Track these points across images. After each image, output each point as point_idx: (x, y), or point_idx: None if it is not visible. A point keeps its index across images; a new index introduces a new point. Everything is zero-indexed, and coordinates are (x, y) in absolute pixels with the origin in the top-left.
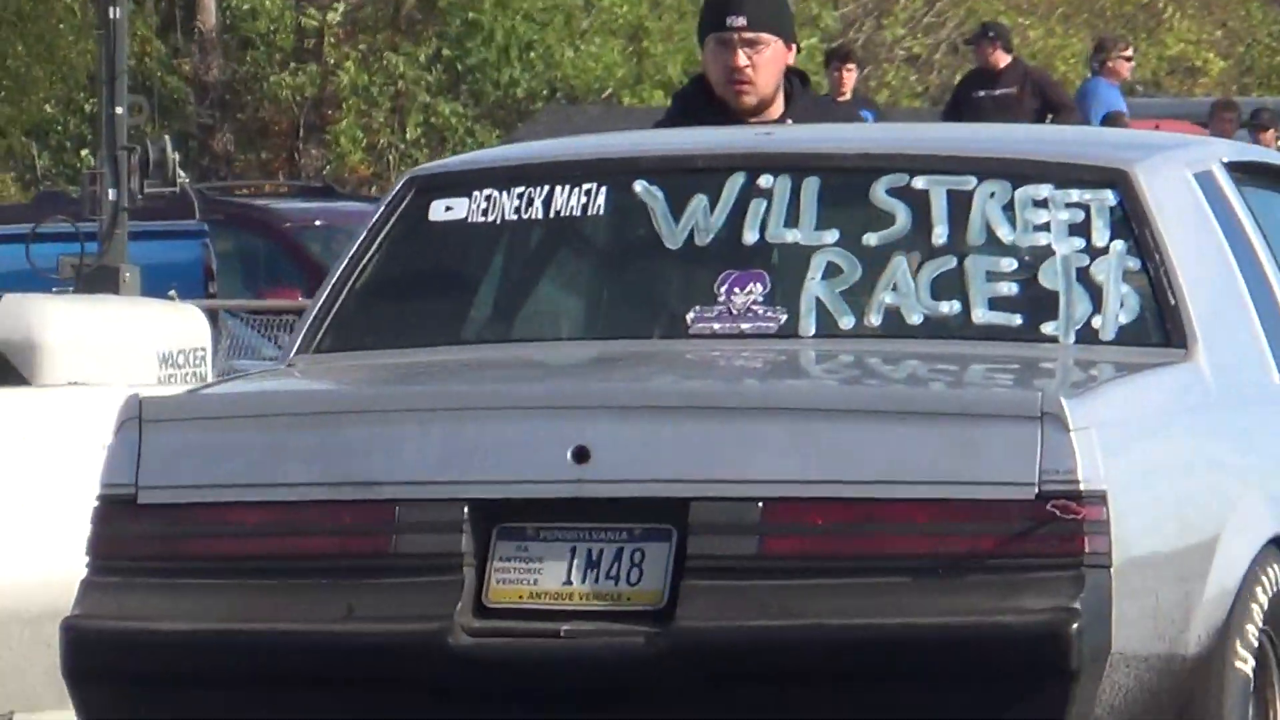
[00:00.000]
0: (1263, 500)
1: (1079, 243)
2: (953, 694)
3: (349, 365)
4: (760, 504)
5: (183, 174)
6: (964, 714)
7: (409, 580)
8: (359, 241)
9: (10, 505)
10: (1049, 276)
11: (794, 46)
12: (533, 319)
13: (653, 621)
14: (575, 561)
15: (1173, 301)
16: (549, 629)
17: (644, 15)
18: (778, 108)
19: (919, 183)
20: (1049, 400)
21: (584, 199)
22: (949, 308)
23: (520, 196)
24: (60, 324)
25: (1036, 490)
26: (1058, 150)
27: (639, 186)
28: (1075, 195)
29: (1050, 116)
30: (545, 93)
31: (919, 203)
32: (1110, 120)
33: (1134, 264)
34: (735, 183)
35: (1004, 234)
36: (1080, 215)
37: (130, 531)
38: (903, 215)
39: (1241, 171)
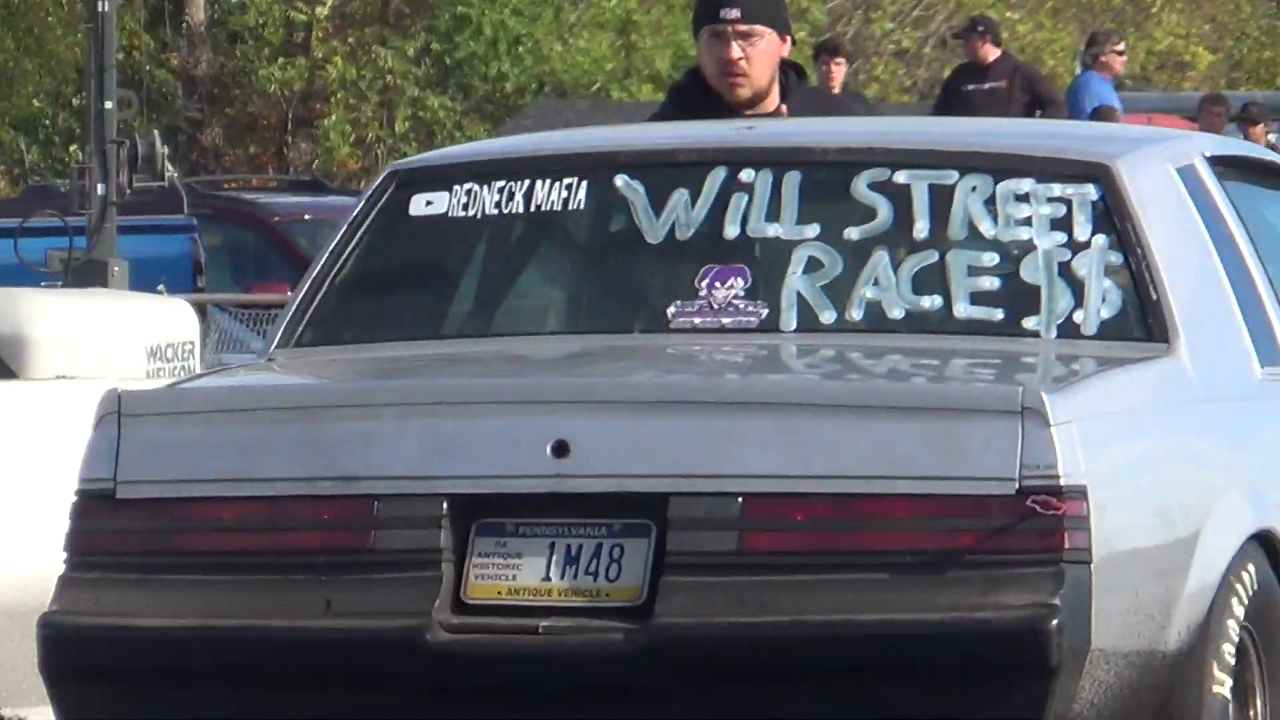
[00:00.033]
0: (1244, 496)
1: (1061, 237)
2: (933, 690)
3: (329, 359)
4: (740, 499)
5: (171, 168)
6: (944, 710)
7: (387, 576)
8: (339, 235)
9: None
10: (1030, 271)
11: (789, 39)
12: (513, 313)
13: (631, 618)
14: (554, 557)
15: (1154, 296)
16: (527, 625)
17: (632, 9)
18: (773, 100)
19: (900, 177)
20: (1030, 395)
21: (565, 193)
22: (930, 302)
23: (501, 191)
24: (48, 318)
25: (1017, 485)
26: (1039, 144)
27: (620, 181)
28: (1057, 189)
29: (1039, 112)
30: (534, 87)
31: (900, 197)
32: (1100, 115)
33: (1116, 258)
34: (716, 177)
35: (985, 228)
36: (1062, 209)
37: (109, 527)
38: (884, 210)
39: (1224, 165)
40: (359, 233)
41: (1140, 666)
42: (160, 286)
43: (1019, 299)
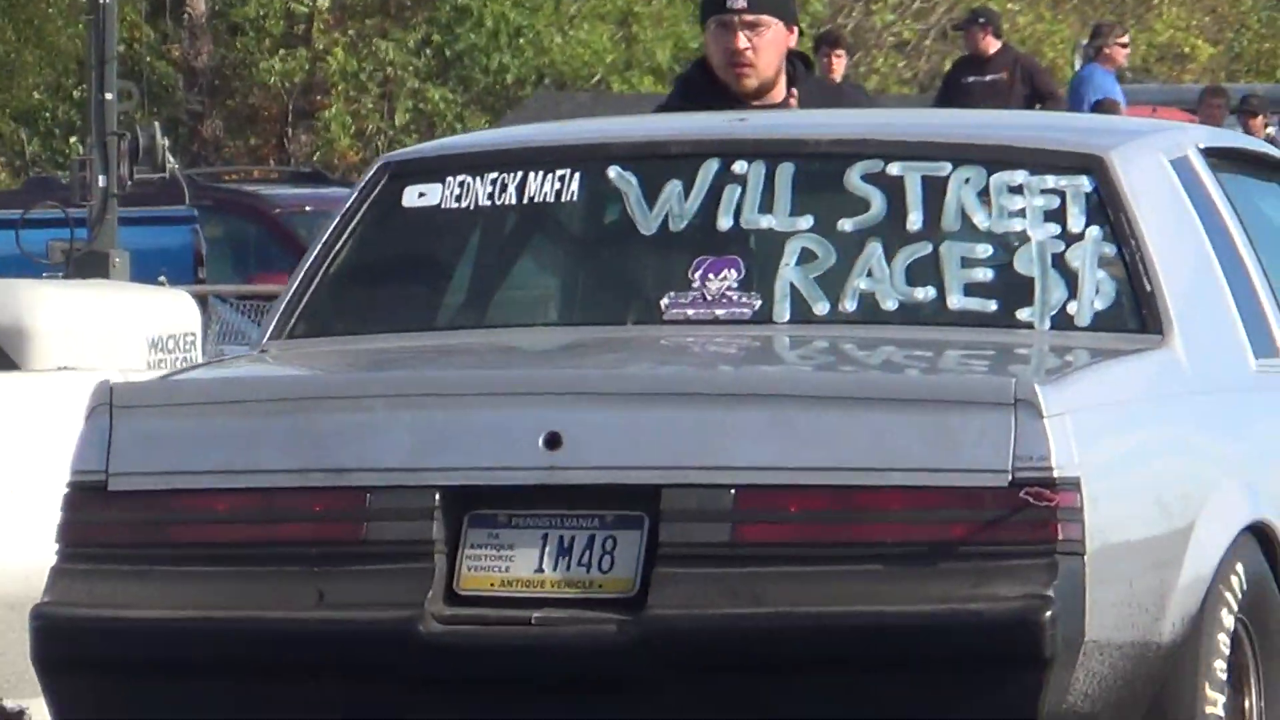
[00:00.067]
0: (1238, 487)
1: (1054, 229)
2: (926, 682)
3: (321, 351)
4: (732, 491)
5: (172, 160)
6: (937, 702)
7: (380, 567)
8: (332, 227)
9: (1, 489)
10: (1024, 262)
11: (795, 29)
12: (506, 305)
13: (624, 609)
14: (547, 549)
15: (1148, 288)
16: (520, 617)
17: (633, 0)
18: (780, 91)
19: (894, 169)
20: (1023, 387)
21: (558, 185)
22: (924, 294)
23: (494, 182)
24: (50, 309)
25: (1010, 477)
26: (1033, 136)
27: (613, 172)
28: (1051, 181)
29: (1038, 105)
30: (534, 79)
31: (894, 189)
32: (1102, 108)
33: (1109, 250)
34: (709, 169)
35: (979, 220)
36: (1056, 201)
37: (101, 518)
38: (878, 201)
39: (1218, 157)
40: (351, 224)
41: (1135, 658)
42: (161, 278)
43: (1012, 291)
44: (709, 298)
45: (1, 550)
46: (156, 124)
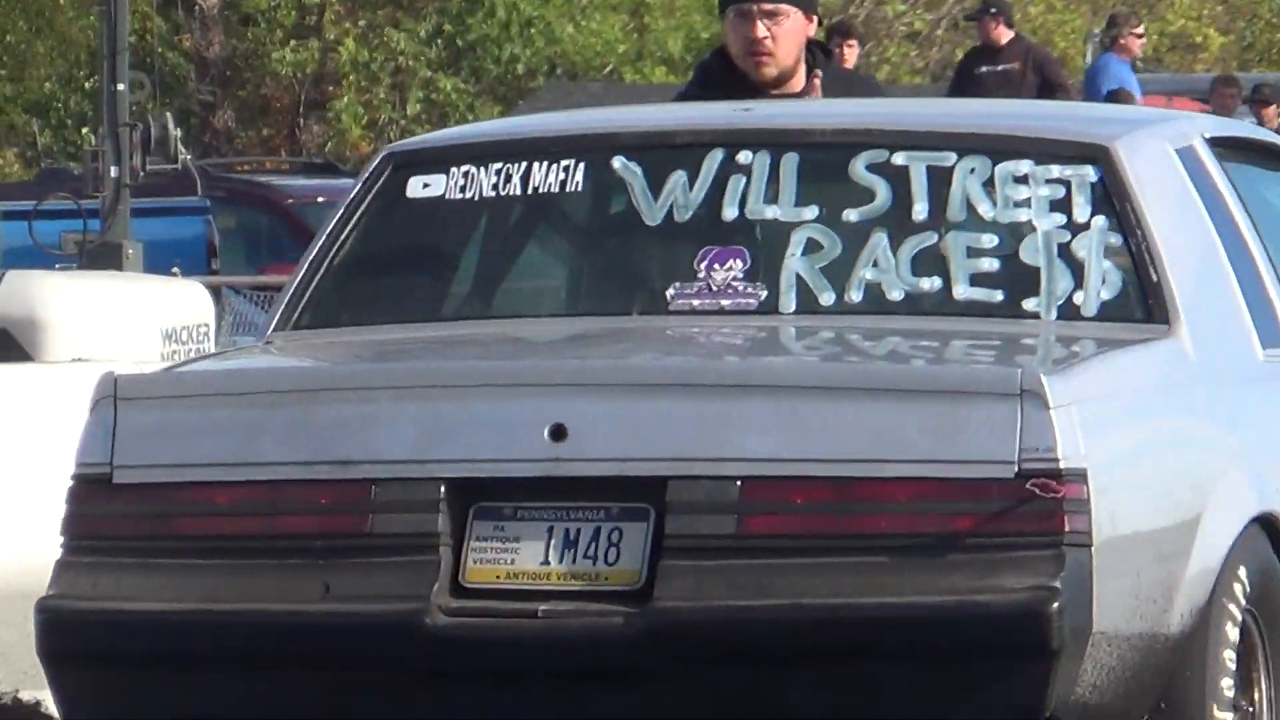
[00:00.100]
0: (1246, 478)
1: (1060, 218)
2: (932, 674)
3: (326, 342)
4: (739, 483)
5: (184, 151)
6: (944, 694)
7: (385, 560)
8: (336, 218)
9: (14, 482)
10: (1030, 252)
11: (814, 18)
12: (511, 296)
13: (630, 601)
14: (552, 541)
15: (1155, 277)
16: (526, 609)
17: None
18: (799, 80)
19: (899, 158)
20: (1028, 377)
21: (562, 175)
22: (930, 284)
23: (498, 173)
24: (63, 300)
25: (1016, 468)
26: (1038, 126)
27: (617, 163)
28: (1056, 171)
29: (1049, 97)
30: (546, 69)
31: (899, 179)
32: (1116, 98)
33: (1115, 240)
34: (714, 159)
35: (985, 210)
36: (1061, 191)
37: (105, 511)
38: (883, 191)
39: (1224, 146)
40: (356, 215)
41: (1142, 649)
42: (174, 269)
43: (1018, 281)
44: (714, 288)
45: (19, 542)
46: (168, 115)
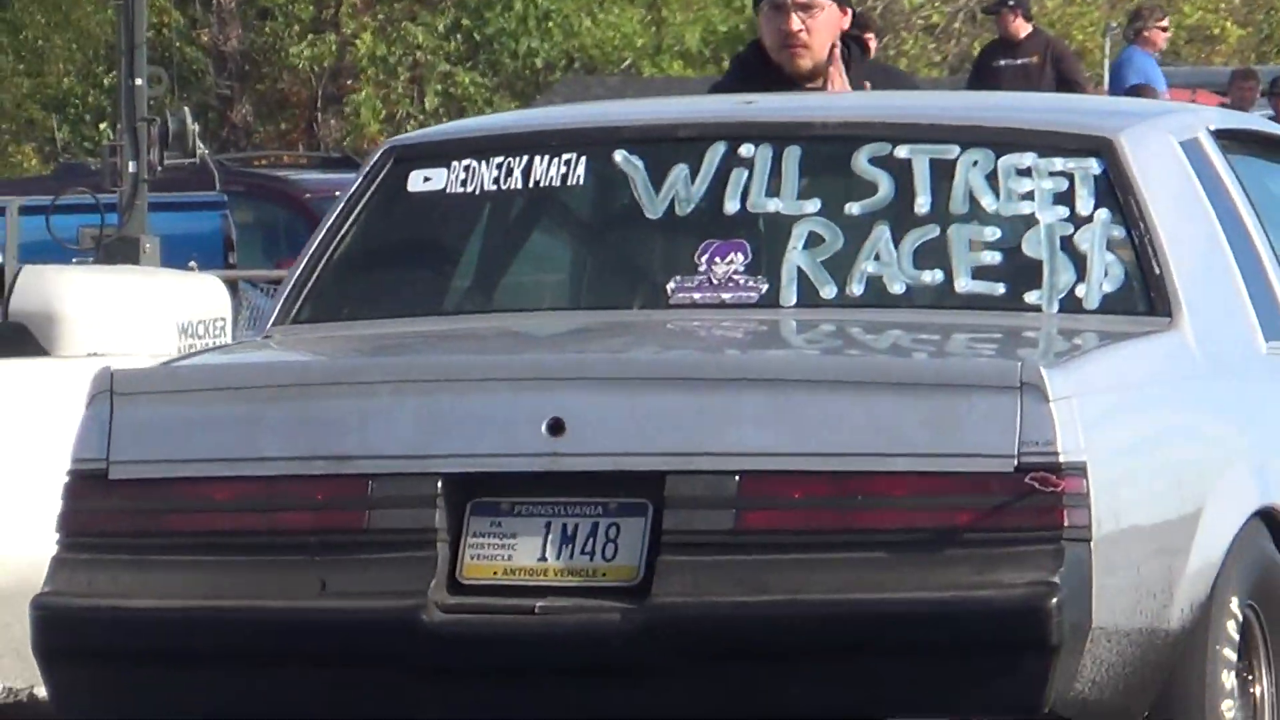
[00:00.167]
0: (1248, 472)
1: (1063, 211)
2: (931, 669)
3: (325, 337)
4: (737, 478)
5: (202, 145)
6: (943, 689)
7: (383, 556)
8: (337, 212)
9: (31, 477)
10: (1032, 245)
11: (849, 11)
12: (511, 290)
13: (628, 598)
14: (550, 537)
15: (1157, 270)
16: (523, 605)
17: None
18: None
19: (901, 151)
20: (1028, 370)
21: (564, 169)
22: (931, 277)
23: (500, 167)
24: (80, 295)
25: (1016, 462)
26: (1041, 118)
27: (619, 156)
28: (1059, 163)
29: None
30: (563, 63)
31: (901, 172)
32: (1136, 94)
33: (1118, 232)
34: (716, 152)
35: (987, 203)
36: (1064, 184)
37: (102, 507)
38: (885, 184)
39: (1229, 139)
40: (357, 209)
41: (1143, 645)
42: (192, 263)
43: (1020, 274)
44: (715, 282)
45: (36, 537)
46: (186, 109)
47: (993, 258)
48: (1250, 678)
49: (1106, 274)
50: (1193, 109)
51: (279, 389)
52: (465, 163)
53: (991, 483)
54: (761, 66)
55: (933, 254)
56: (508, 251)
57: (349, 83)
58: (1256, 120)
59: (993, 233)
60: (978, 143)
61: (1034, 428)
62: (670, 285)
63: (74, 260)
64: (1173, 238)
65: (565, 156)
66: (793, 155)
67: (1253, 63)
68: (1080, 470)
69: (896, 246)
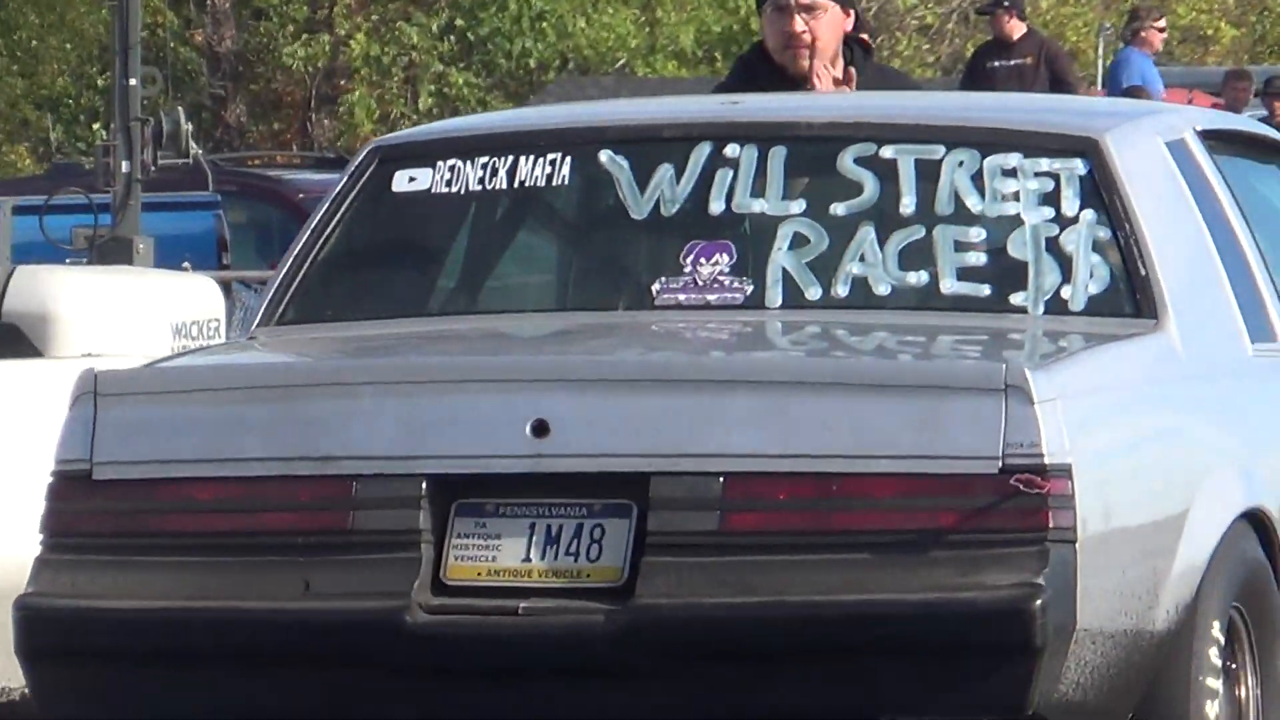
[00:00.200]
0: (1234, 474)
1: (1048, 212)
2: (916, 671)
3: (309, 338)
4: (721, 479)
5: (195, 145)
6: (927, 691)
7: (367, 557)
8: (321, 212)
9: (24, 478)
10: (1018, 246)
11: (852, 13)
12: (496, 291)
13: (612, 599)
14: (534, 538)
15: (1143, 272)
16: (507, 606)
17: None
18: (838, 74)
19: (887, 152)
20: (1013, 372)
21: (549, 169)
22: (917, 278)
23: (484, 167)
24: (74, 295)
25: (1000, 464)
26: (1027, 119)
27: (604, 156)
28: (1045, 164)
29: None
30: (558, 63)
31: (887, 172)
32: (1130, 95)
33: (1104, 234)
34: (701, 152)
35: (973, 203)
36: (1050, 184)
37: (85, 508)
38: (870, 185)
39: (1216, 140)
40: (341, 209)
41: (1128, 647)
42: (185, 264)
43: (1006, 275)
44: (700, 283)
45: (29, 538)
46: (180, 109)
47: (978, 259)
48: (1235, 679)
49: (1092, 275)
50: (1179, 109)
51: (263, 390)
52: (450, 163)
53: (976, 484)
54: (765, 68)
55: (918, 255)
56: (492, 252)
57: (343, 83)
58: (1244, 121)
59: (978, 234)
60: (963, 143)
61: (1019, 430)
62: (655, 286)
63: (67, 260)
64: (1159, 239)
65: (550, 156)
66: (778, 155)
67: (1246, 63)
68: (1065, 472)
69: (882, 247)
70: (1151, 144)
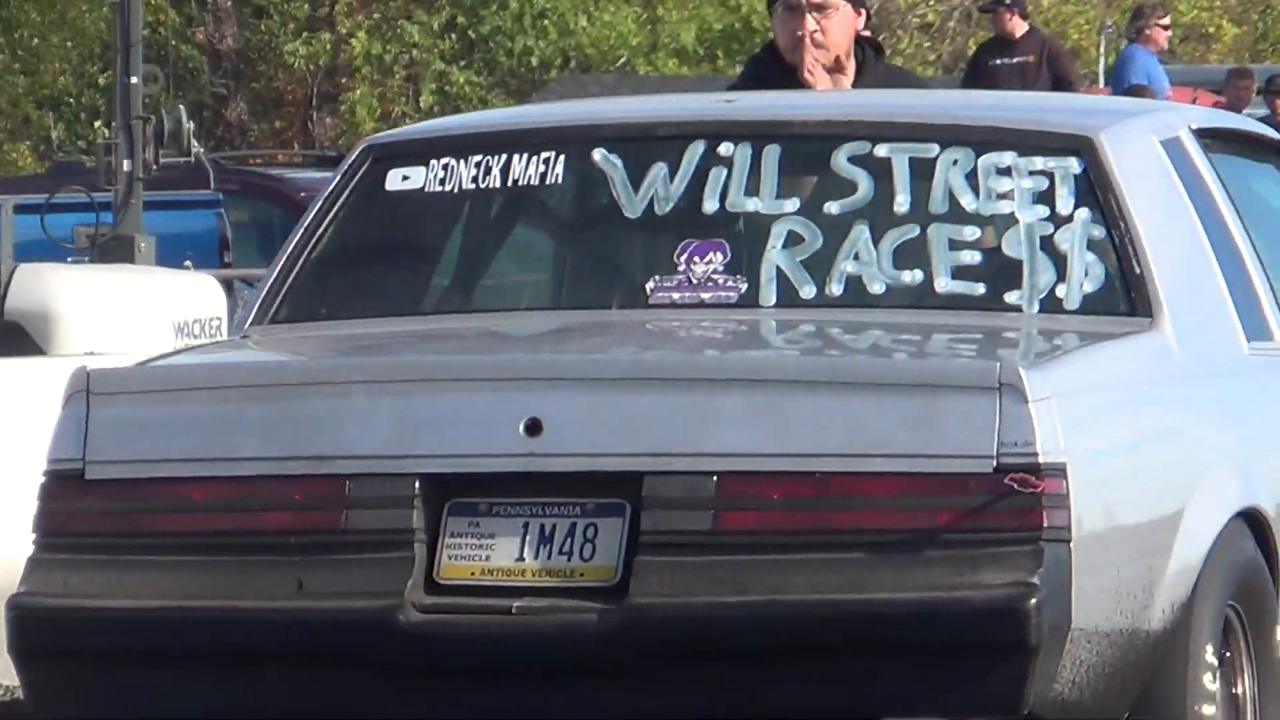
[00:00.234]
0: (1230, 473)
1: (1043, 210)
2: (910, 670)
3: (302, 337)
4: (715, 478)
5: (197, 144)
6: (922, 690)
7: (360, 556)
8: (314, 211)
9: (26, 476)
10: (1012, 245)
11: (863, 12)
12: (490, 289)
13: (605, 598)
14: (528, 537)
15: (1138, 270)
16: (501, 606)
17: None
18: (850, 74)
19: (881, 150)
20: (1007, 371)
21: (542, 167)
22: (911, 277)
23: (478, 165)
24: (76, 294)
25: (995, 463)
26: (1022, 117)
27: (598, 155)
28: (1039, 162)
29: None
30: (559, 61)
31: (881, 170)
32: (1132, 94)
33: (1099, 232)
34: (695, 151)
35: (967, 202)
36: (1044, 183)
37: (78, 507)
38: (865, 183)
39: (1211, 138)
40: (335, 208)
41: (1123, 646)
42: (187, 262)
43: (1001, 273)
44: (694, 281)
45: (31, 537)
46: (181, 108)
47: (972, 257)
48: (1232, 678)
49: (1087, 274)
50: (1175, 108)
51: (256, 389)
52: (443, 161)
53: (970, 483)
54: (776, 68)
55: (912, 254)
56: (486, 251)
57: (344, 81)
58: (1240, 119)
59: (972, 232)
60: (958, 141)
61: (1013, 428)
62: (649, 285)
63: (69, 259)
64: (1154, 237)
65: (544, 155)
66: (772, 154)
67: (1248, 61)
68: (1060, 471)
69: (876, 246)
70: (1146, 142)
